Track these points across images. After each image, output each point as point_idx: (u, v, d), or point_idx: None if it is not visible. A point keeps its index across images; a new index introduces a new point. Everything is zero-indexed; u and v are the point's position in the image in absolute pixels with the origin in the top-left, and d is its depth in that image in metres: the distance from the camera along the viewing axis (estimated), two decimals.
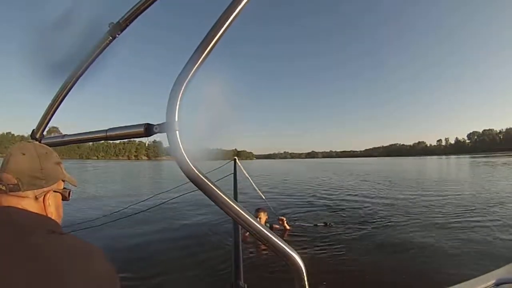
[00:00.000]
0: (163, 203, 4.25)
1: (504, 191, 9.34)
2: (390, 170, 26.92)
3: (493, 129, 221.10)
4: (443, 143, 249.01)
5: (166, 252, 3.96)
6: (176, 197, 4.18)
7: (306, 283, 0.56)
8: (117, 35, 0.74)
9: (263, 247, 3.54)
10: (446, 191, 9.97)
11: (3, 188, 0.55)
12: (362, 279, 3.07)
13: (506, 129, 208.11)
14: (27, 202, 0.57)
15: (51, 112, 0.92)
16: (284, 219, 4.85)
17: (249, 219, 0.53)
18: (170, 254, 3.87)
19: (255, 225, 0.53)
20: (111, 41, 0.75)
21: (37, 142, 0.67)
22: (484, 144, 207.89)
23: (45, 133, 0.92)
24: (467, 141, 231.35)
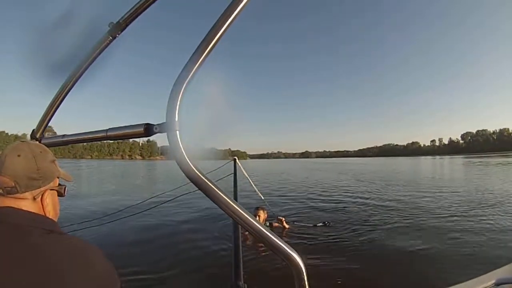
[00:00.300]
0: (163, 203, 4.23)
1: (499, 191, 9.40)
2: (386, 170, 27.01)
3: (486, 130, 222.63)
4: (437, 143, 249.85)
5: (165, 252, 3.94)
6: (176, 197, 4.16)
7: (306, 283, 0.55)
8: (117, 35, 0.74)
9: (263, 247, 3.53)
10: (443, 191, 10.02)
11: (0, 191, 0.55)
12: (362, 278, 3.06)
13: (500, 129, 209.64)
14: (25, 203, 0.57)
15: (51, 112, 0.91)
16: (283, 218, 4.85)
17: (249, 219, 0.53)
18: (170, 254, 3.85)
19: (255, 225, 0.53)
20: (111, 41, 0.74)
21: (31, 142, 0.66)
22: (478, 145, 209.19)
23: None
24: (461, 141, 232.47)
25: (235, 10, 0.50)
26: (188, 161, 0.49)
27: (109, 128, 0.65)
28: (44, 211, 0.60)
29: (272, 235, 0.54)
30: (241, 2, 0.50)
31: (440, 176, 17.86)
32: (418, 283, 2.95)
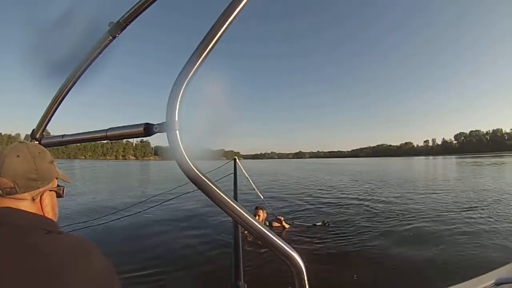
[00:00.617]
0: (162, 203, 4.22)
1: (489, 189, 9.46)
2: (381, 170, 27.09)
3: (480, 130, 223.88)
4: (430, 143, 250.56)
5: (165, 251, 3.92)
6: (176, 197, 4.14)
7: (306, 282, 0.54)
8: (117, 35, 0.73)
9: (263, 247, 3.51)
10: (440, 190, 10.06)
11: (0, 192, 0.54)
12: (362, 278, 3.04)
13: (493, 130, 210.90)
14: (24, 204, 0.56)
15: (51, 112, 0.90)
16: (282, 218, 4.84)
17: (249, 219, 0.52)
18: (170, 253, 3.83)
19: (255, 224, 0.52)
20: (111, 41, 0.74)
21: (30, 142, 0.65)
22: (471, 145, 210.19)
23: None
24: (454, 142, 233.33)
25: (235, 10, 0.50)
26: (188, 161, 0.49)
27: (109, 128, 0.64)
28: (43, 212, 0.59)
29: (272, 234, 0.53)
30: (241, 2, 0.50)
31: (439, 176, 17.96)
32: (418, 283, 2.94)
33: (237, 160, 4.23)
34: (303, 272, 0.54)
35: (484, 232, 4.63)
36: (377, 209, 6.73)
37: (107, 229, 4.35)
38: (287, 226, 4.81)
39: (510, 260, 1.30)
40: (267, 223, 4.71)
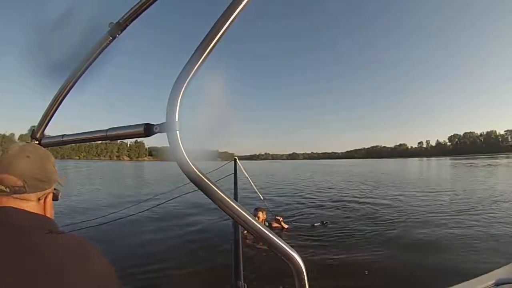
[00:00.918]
0: (162, 203, 4.19)
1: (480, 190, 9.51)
2: (377, 171, 27.15)
3: (474, 132, 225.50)
4: (424, 145, 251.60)
5: (165, 252, 3.90)
6: (176, 197, 4.12)
7: (306, 282, 0.54)
8: (117, 35, 0.72)
9: (263, 247, 3.51)
10: (439, 190, 10.10)
11: (7, 190, 0.53)
12: (362, 278, 3.04)
13: (487, 132, 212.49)
14: (29, 205, 0.56)
15: (51, 113, 0.89)
16: (281, 218, 4.83)
17: (249, 219, 0.51)
18: (170, 253, 3.81)
19: (255, 225, 0.52)
20: (111, 41, 0.73)
21: (36, 144, 0.65)
22: (465, 147, 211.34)
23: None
24: (448, 143, 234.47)
25: (235, 10, 0.49)
26: (188, 161, 0.48)
27: (109, 128, 0.63)
28: (45, 213, 0.60)
29: (272, 234, 0.53)
30: (241, 3, 0.49)
31: (433, 177, 18.02)
32: (418, 283, 2.93)
33: (237, 161, 4.22)
34: (303, 272, 0.53)
35: (482, 233, 4.64)
36: (374, 210, 6.74)
37: (107, 229, 4.31)
38: (286, 226, 4.80)
39: (509, 260, 1.30)
40: (266, 224, 4.70)
